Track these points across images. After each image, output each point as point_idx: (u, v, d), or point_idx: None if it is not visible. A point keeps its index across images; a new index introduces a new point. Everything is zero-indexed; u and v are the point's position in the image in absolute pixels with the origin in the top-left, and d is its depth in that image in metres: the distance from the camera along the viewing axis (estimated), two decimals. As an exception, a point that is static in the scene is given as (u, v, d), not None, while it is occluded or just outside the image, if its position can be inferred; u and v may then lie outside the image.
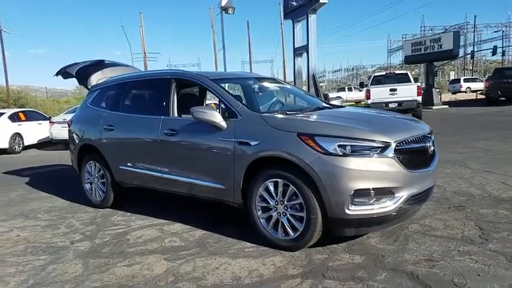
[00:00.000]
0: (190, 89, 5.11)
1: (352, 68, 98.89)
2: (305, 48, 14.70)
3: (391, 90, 13.89)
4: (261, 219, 3.40)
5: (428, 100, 19.28)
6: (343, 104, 4.81)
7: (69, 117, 12.75)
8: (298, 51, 15.50)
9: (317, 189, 2.99)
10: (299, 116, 3.58)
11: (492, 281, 2.57)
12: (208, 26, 39.24)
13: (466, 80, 38.31)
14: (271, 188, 3.28)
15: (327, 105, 4.34)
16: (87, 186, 5.17)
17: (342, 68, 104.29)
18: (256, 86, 4.57)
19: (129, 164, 4.51)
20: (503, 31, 65.71)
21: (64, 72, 5.73)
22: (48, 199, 5.79)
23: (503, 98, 18.35)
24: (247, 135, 3.39)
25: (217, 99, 3.87)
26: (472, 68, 72.98)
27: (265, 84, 4.75)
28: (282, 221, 3.26)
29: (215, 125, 3.55)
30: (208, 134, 3.67)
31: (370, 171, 2.93)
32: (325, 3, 13.88)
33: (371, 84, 15.23)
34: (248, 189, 3.45)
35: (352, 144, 2.97)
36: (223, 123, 3.54)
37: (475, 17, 76.21)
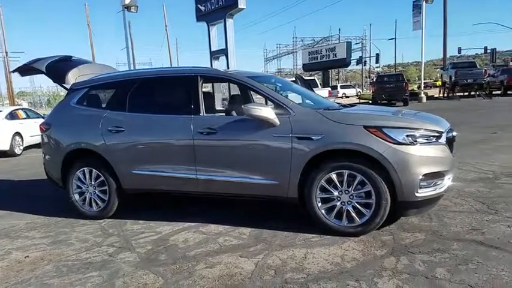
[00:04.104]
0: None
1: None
2: (223, 52, 14.96)
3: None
4: (322, 210, 3.58)
5: (325, 103, 21.20)
6: None
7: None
8: (215, 55, 15.67)
9: (388, 177, 3.32)
10: (353, 111, 3.88)
11: (537, 238, 3.23)
12: (84, 24, 36.48)
13: (342, 87, 43.00)
14: (335, 179, 3.50)
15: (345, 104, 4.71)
16: (77, 196, 4.62)
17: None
18: (278, 85, 4.70)
19: (147, 168, 4.20)
20: (362, 43, 74.53)
21: (29, 69, 5.02)
22: (15, 216, 4.97)
23: (385, 101, 21.29)
24: (308, 130, 3.54)
25: (261, 96, 3.93)
26: (339, 76, 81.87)
27: (282, 83, 4.91)
28: (347, 209, 3.49)
29: (269, 121, 3.61)
30: (257, 131, 3.70)
31: (433, 157, 3.38)
32: (244, 8, 14.33)
33: (285, 89, 16.22)
34: (307, 183, 3.59)
35: (417, 134, 3.38)
36: (277, 120, 3.63)
37: (339, 30, 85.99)
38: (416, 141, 3.35)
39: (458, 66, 24.28)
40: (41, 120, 12.59)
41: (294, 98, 4.57)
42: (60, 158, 4.61)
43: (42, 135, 4.89)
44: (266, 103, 3.91)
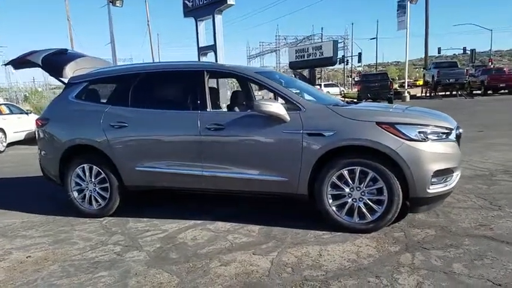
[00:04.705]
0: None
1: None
2: (212, 48, 14.86)
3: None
4: (333, 207, 3.56)
5: (311, 101, 21.29)
6: None
7: None
8: (203, 51, 15.55)
9: (401, 173, 3.32)
10: (362, 107, 3.87)
11: (545, 233, 3.30)
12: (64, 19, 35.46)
13: (326, 85, 43.22)
14: (347, 176, 3.48)
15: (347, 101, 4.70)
16: (76, 194, 4.47)
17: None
18: (282, 81, 4.65)
19: (151, 164, 4.10)
20: (344, 43, 74.91)
21: (23, 62, 4.84)
22: (10, 215, 4.78)
23: (370, 99, 21.54)
24: (319, 127, 3.52)
25: (270, 92, 3.89)
26: (321, 75, 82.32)
27: (286, 79, 4.86)
28: (359, 206, 3.48)
29: (280, 117, 3.57)
30: (267, 127, 3.66)
31: (444, 154, 3.41)
32: (233, 4, 14.24)
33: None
34: (317, 179, 3.57)
35: (429, 130, 3.40)
36: (287, 116, 3.59)
37: (322, 29, 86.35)
38: (427, 137, 3.37)
39: (441, 66, 24.76)
40: (25, 116, 12.34)
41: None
42: (58, 154, 4.46)
43: (38, 130, 4.73)
44: (275, 99, 3.86)
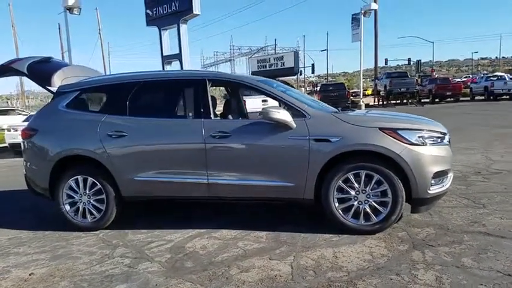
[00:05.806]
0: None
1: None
2: (177, 56, 14.82)
3: (263, 101, 15.20)
4: (339, 210, 3.70)
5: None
6: None
7: None
8: (167, 60, 15.46)
9: (404, 176, 3.52)
10: (359, 114, 4.06)
11: (532, 227, 3.62)
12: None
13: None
14: (352, 179, 3.64)
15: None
16: (68, 207, 4.29)
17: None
18: (281, 89, 4.73)
19: (153, 174, 4.03)
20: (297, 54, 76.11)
21: (6, 70, 4.61)
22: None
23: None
24: (325, 133, 3.65)
25: (276, 100, 3.98)
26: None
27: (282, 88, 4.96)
28: (364, 208, 3.64)
29: (287, 124, 3.67)
30: (273, 134, 3.74)
31: (441, 157, 3.66)
32: (198, 14, 14.27)
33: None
34: (324, 184, 3.70)
35: (427, 135, 3.64)
36: (293, 123, 3.70)
37: (275, 40, 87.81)
38: (425, 141, 3.60)
39: (393, 76, 26.14)
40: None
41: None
42: (49, 166, 4.25)
43: (24, 142, 4.49)
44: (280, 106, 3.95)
